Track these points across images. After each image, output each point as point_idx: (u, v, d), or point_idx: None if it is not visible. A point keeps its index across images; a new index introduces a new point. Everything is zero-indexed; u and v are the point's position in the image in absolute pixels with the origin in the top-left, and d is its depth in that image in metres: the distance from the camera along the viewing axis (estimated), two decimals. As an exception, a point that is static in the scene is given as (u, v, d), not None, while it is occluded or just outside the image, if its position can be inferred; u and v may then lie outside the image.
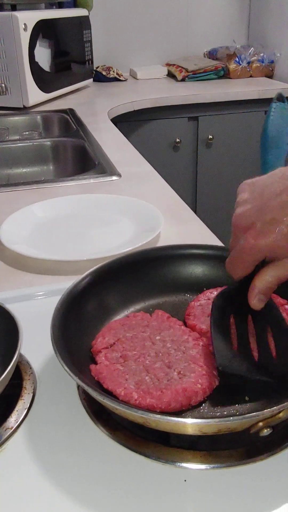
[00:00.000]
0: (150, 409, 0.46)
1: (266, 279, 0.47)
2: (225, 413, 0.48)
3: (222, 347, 0.50)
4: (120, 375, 0.50)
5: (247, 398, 0.49)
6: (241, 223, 0.47)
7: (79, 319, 0.56)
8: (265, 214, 0.45)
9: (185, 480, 0.43)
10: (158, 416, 0.42)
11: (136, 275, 0.64)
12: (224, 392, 0.50)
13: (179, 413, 0.47)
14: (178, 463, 0.45)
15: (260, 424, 0.42)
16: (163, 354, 0.53)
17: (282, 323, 0.52)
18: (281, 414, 0.42)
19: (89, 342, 0.56)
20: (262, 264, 0.48)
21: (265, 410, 0.41)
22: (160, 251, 0.67)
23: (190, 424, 0.42)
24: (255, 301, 0.48)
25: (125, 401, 0.47)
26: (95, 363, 0.52)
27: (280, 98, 0.59)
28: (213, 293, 0.61)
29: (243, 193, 0.49)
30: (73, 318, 0.55)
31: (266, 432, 0.42)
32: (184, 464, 0.45)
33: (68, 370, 0.46)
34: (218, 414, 0.48)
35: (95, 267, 0.62)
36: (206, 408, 0.48)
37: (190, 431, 0.43)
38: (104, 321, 0.59)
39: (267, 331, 0.51)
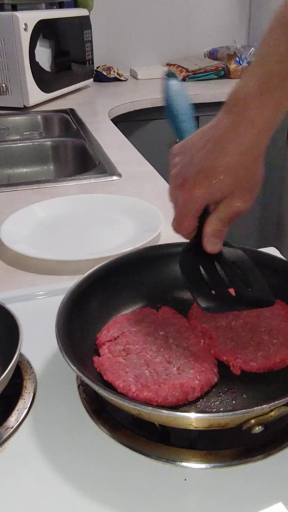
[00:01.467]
0: (147, 402, 0.46)
1: (213, 223, 0.51)
2: (221, 409, 0.48)
3: (201, 293, 0.52)
4: (121, 367, 0.50)
5: (244, 396, 0.49)
6: (176, 183, 0.51)
7: (86, 312, 0.57)
8: (194, 167, 0.49)
9: (185, 479, 0.44)
10: (150, 408, 0.42)
11: (145, 271, 0.64)
12: (223, 389, 0.50)
13: (176, 407, 0.48)
14: (178, 462, 0.45)
15: (252, 421, 0.42)
16: (165, 349, 0.53)
17: (244, 258, 0.56)
18: (272, 413, 0.42)
19: (95, 335, 0.56)
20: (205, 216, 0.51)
21: (255, 408, 0.41)
22: (171, 247, 0.67)
23: (181, 418, 0.43)
24: (210, 246, 0.52)
25: (123, 393, 0.47)
26: (99, 355, 0.53)
27: (170, 74, 0.63)
28: None
29: (174, 157, 0.53)
30: (79, 312, 0.55)
31: (258, 429, 0.42)
32: (184, 463, 0.45)
33: (67, 359, 0.46)
34: (214, 410, 0.48)
35: (104, 262, 0.62)
36: (202, 404, 0.49)
37: (181, 424, 0.44)
38: (111, 315, 0.60)
39: (235, 268, 0.54)
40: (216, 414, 0.42)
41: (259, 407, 0.41)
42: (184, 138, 0.58)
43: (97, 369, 0.51)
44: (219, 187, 0.48)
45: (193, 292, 0.52)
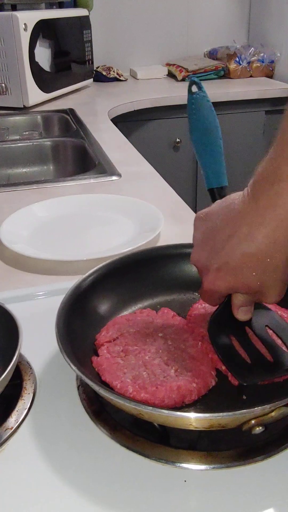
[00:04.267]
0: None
1: (240, 298, 0.49)
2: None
3: (236, 366, 0.50)
4: (119, 368, 0.50)
5: (244, 397, 0.49)
6: (198, 265, 0.49)
7: (85, 313, 0.57)
8: (217, 259, 0.46)
9: (185, 481, 0.43)
10: (151, 408, 0.42)
11: (146, 272, 0.64)
12: (222, 391, 0.50)
13: (173, 410, 0.47)
14: (178, 464, 0.45)
15: (253, 421, 0.42)
16: (163, 351, 0.53)
17: (276, 317, 0.53)
18: (273, 413, 0.42)
19: (95, 335, 0.56)
20: None
21: (256, 408, 0.41)
22: (171, 248, 0.67)
23: (181, 418, 0.43)
24: (240, 315, 0.50)
25: (120, 394, 0.47)
26: (98, 356, 0.53)
27: (193, 82, 0.51)
28: None
29: (196, 232, 0.50)
30: (79, 312, 0.55)
31: (258, 430, 0.42)
32: (184, 465, 0.45)
33: (67, 359, 0.46)
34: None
35: (104, 262, 0.62)
36: (201, 405, 0.48)
37: (181, 424, 0.44)
38: (111, 315, 0.60)
39: (267, 330, 0.52)
40: (216, 414, 0.42)
41: (260, 407, 0.41)
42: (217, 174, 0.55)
43: (96, 369, 0.51)
44: (244, 283, 0.45)
45: (228, 365, 0.50)
